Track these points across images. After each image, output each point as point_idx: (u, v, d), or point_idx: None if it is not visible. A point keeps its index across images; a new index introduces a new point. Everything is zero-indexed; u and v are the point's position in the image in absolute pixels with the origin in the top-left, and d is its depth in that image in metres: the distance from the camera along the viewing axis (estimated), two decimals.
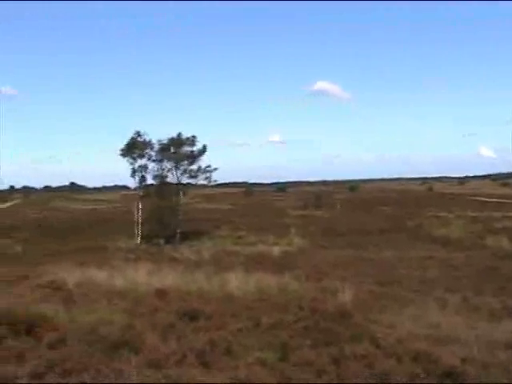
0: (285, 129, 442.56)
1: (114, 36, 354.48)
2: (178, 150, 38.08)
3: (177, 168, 38.23)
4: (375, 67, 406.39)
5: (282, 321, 12.79)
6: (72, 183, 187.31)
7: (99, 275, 19.47)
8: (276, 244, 32.01)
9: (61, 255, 28.17)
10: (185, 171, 38.38)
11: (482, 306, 14.62)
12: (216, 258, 26.30)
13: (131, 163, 37.79)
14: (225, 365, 10.01)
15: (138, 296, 16.04)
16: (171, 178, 38.59)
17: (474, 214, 49.65)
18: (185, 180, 39.31)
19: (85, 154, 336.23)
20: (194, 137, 38.18)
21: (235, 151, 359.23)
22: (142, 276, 19.00)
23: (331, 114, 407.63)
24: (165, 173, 38.29)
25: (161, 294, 16.16)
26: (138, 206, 38.25)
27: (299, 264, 23.43)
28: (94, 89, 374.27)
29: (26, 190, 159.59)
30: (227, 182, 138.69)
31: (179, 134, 38.30)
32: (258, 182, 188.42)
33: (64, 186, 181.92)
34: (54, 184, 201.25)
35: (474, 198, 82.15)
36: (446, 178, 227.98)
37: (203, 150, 38.27)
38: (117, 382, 9.08)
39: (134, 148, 37.61)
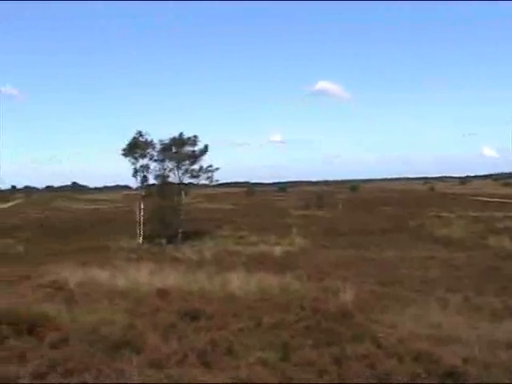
0: (285, 128, 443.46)
1: (114, 36, 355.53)
2: (180, 149, 38.12)
3: (178, 168, 38.26)
4: (375, 67, 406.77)
5: (283, 321, 12.79)
6: (74, 183, 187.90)
7: (101, 275, 19.50)
8: (278, 244, 32.06)
9: (63, 255, 28.23)
10: (186, 171, 38.41)
11: (483, 305, 14.62)
12: (218, 258, 26.34)
13: (133, 163, 38.01)
14: (226, 365, 10.01)
15: (139, 296, 16.05)
16: (173, 178, 38.74)
17: (475, 214, 49.58)
18: (186, 180, 39.43)
19: (85, 154, 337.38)
20: (195, 137, 38.27)
21: (235, 151, 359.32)
22: (143, 276, 19.02)
23: (332, 114, 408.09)
24: (166, 173, 38.42)
25: (162, 293, 16.17)
26: (140, 205, 38.31)
27: (301, 264, 23.45)
28: (95, 89, 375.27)
29: (28, 190, 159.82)
30: (229, 181, 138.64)
31: (181, 134, 38.39)
32: (258, 181, 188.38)
33: (66, 186, 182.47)
34: (56, 184, 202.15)
35: (475, 197, 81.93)
36: (447, 177, 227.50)
37: (205, 149, 38.31)
38: (118, 381, 9.09)
39: (136, 148, 37.70)
